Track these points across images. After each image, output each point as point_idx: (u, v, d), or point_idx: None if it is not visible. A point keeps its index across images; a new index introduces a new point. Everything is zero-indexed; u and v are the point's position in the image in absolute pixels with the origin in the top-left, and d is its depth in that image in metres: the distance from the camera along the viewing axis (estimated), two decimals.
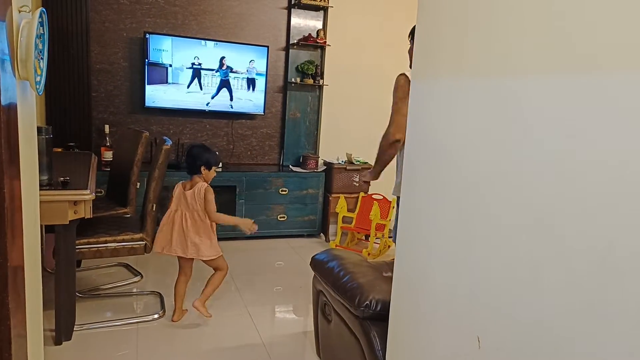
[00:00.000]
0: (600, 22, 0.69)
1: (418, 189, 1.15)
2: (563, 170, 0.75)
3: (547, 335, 0.79)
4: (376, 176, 2.42)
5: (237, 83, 3.99)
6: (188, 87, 3.84)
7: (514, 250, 0.85)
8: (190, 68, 3.82)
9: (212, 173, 2.49)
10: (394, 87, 2.20)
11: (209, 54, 3.85)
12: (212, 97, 3.93)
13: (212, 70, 3.89)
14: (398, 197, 2.36)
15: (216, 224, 2.49)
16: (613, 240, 0.67)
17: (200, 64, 3.83)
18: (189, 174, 2.48)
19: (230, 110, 4.03)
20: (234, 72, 3.94)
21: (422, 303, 1.14)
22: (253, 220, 2.57)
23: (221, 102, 3.97)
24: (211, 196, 2.42)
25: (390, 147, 2.22)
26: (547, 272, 0.78)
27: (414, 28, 2.30)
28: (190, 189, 2.42)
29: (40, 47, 1.03)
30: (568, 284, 0.75)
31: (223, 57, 3.88)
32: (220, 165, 3.92)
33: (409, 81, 2.11)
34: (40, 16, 0.99)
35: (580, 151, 0.72)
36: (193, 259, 2.48)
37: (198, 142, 2.56)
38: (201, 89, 3.88)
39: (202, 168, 2.44)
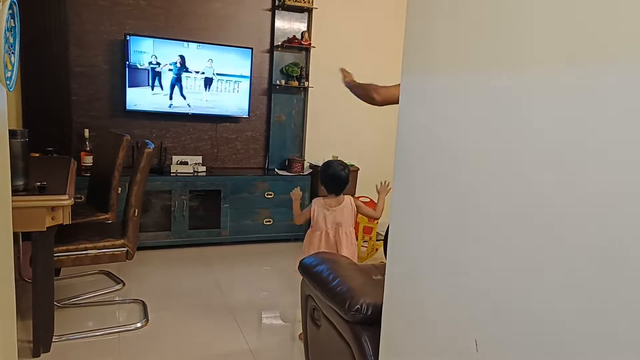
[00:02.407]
0: (603, 13, 0.66)
1: (410, 187, 1.11)
2: (564, 167, 0.72)
3: (548, 337, 0.76)
4: (352, 83, 2.42)
5: (221, 85, 3.93)
6: (171, 89, 3.77)
7: (512, 249, 0.82)
8: (172, 70, 3.75)
9: None
10: None
11: (192, 55, 3.79)
12: (170, 98, 3.80)
13: (169, 69, 3.82)
14: None
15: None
16: (618, 239, 0.64)
17: (158, 64, 3.71)
18: (337, 194, 2.50)
19: (207, 112, 3.96)
20: (189, 71, 3.81)
21: (416, 305, 1.10)
22: (384, 182, 2.57)
23: (181, 104, 3.85)
24: (360, 202, 2.55)
25: (369, 95, 2.30)
26: (548, 272, 0.75)
27: None
28: (337, 205, 2.48)
29: (11, 40, 0.97)
30: (570, 284, 0.71)
31: (182, 57, 3.78)
32: None
33: None
34: (11, 7, 0.93)
35: (582, 147, 0.69)
36: None
37: (339, 163, 2.58)
38: (162, 89, 3.75)
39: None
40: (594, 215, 0.68)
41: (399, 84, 2.26)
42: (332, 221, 2.46)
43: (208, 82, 3.89)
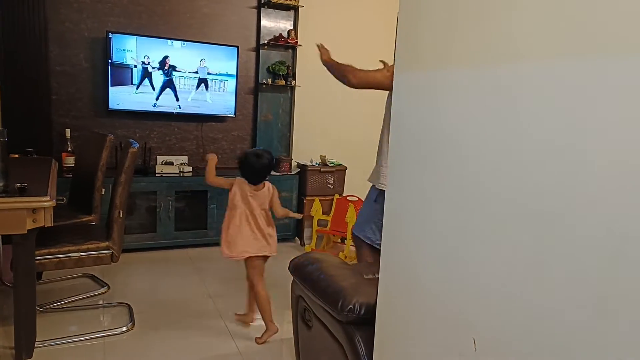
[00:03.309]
0: (600, 4, 0.65)
1: (405, 185, 1.09)
2: (565, 160, 0.71)
3: (549, 335, 0.74)
4: (329, 61, 2.39)
5: (204, 84, 3.88)
6: (153, 89, 3.70)
7: (511, 247, 0.80)
8: (156, 69, 3.68)
9: None
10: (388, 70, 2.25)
11: (177, 54, 3.73)
12: (156, 98, 3.75)
13: (154, 67, 3.75)
14: (373, 186, 2.33)
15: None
16: (621, 235, 0.63)
17: (148, 63, 3.66)
18: (257, 183, 2.43)
19: (192, 112, 3.91)
20: (175, 70, 3.76)
21: (412, 304, 1.08)
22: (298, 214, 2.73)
23: (166, 104, 3.78)
24: (277, 194, 2.52)
25: (344, 76, 2.27)
26: (549, 268, 0.74)
27: None
28: (261, 189, 2.44)
29: None
30: (573, 280, 0.70)
31: (167, 57, 3.72)
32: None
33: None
34: None
35: (583, 139, 0.68)
36: (265, 258, 2.51)
37: (258, 149, 2.52)
38: (150, 88, 3.69)
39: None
40: (596, 211, 0.66)
41: (380, 69, 2.23)
42: (257, 204, 2.43)
43: (201, 82, 3.84)
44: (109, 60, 3.53)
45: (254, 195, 2.42)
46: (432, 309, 1.01)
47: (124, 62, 3.58)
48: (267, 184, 2.47)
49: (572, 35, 0.69)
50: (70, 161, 3.40)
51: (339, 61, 2.38)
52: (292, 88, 4.25)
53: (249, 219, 2.42)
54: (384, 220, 1.17)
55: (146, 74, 3.66)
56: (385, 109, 2.32)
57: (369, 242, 2.34)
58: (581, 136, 0.68)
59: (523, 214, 0.78)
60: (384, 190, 2.20)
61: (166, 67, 3.71)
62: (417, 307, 1.06)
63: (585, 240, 0.68)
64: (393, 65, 2.13)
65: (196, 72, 3.82)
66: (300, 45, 4.15)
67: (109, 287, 2.93)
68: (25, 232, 1.91)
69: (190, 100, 3.84)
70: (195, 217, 3.85)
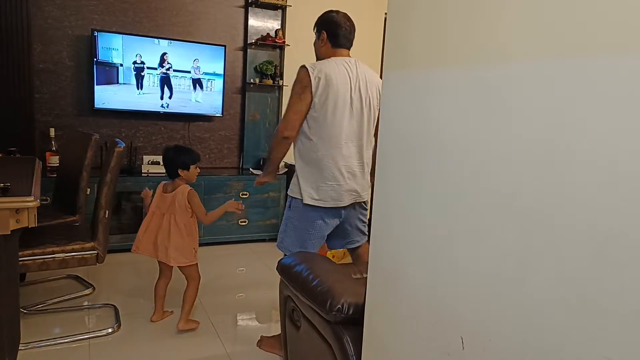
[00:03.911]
0: (587, 6, 0.66)
1: (393, 183, 1.10)
2: (552, 159, 0.71)
3: (536, 333, 0.75)
4: (271, 176, 2.29)
5: (192, 83, 3.85)
6: (141, 87, 3.66)
7: (499, 245, 0.81)
8: (140, 68, 3.65)
9: (192, 172, 2.39)
10: (295, 79, 2.12)
11: (162, 52, 3.69)
12: (161, 97, 3.75)
13: (156, 69, 3.73)
14: (291, 197, 2.22)
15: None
16: (609, 232, 0.64)
17: (148, 64, 3.65)
18: (170, 178, 2.40)
19: (180, 111, 3.88)
20: (180, 71, 3.78)
21: (400, 303, 1.08)
22: (240, 203, 2.44)
23: (168, 103, 3.80)
24: (197, 199, 2.34)
25: (279, 144, 2.14)
26: (536, 266, 0.75)
27: (319, 18, 2.21)
28: (172, 191, 2.34)
29: None
30: (560, 278, 0.71)
31: (165, 54, 3.70)
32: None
33: (309, 74, 2.03)
34: None
35: (570, 139, 0.69)
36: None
37: (172, 144, 2.47)
38: (152, 90, 3.70)
39: (180, 171, 2.35)
40: (582, 209, 0.67)
41: (291, 99, 2.09)
42: (165, 206, 2.34)
43: (196, 82, 3.83)
44: (95, 59, 3.49)
45: (162, 198, 2.35)
46: (420, 308, 1.02)
47: (110, 61, 3.54)
48: (179, 190, 2.32)
49: (560, 36, 0.70)
50: (54, 160, 3.36)
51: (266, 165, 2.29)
52: (280, 88, 4.24)
53: (157, 220, 2.36)
54: (372, 221, 1.17)
55: (133, 73, 3.62)
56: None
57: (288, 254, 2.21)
58: (568, 136, 0.69)
59: (511, 212, 0.79)
60: (294, 197, 2.18)
61: (164, 65, 3.69)
62: (405, 306, 1.07)
63: (571, 238, 0.69)
64: (296, 87, 2.08)
65: (188, 72, 3.80)
66: (287, 45, 4.14)
67: (94, 288, 2.89)
68: (9, 232, 1.87)
69: (177, 99, 3.81)
70: None
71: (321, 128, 2.09)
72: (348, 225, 2.31)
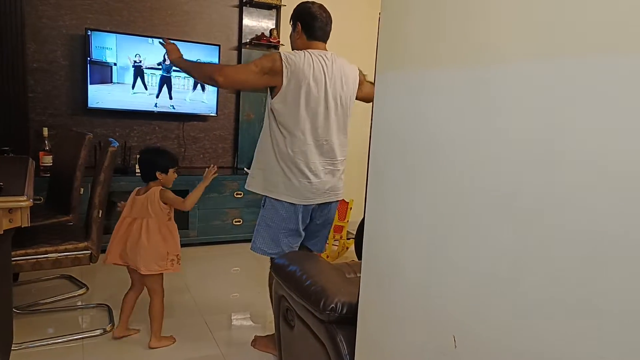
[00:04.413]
0: (583, 6, 0.66)
1: (387, 183, 1.10)
2: (546, 159, 0.72)
3: (528, 333, 0.76)
4: (179, 62, 2.11)
5: (188, 83, 3.84)
6: (133, 87, 3.65)
7: (494, 243, 0.82)
8: (135, 67, 3.64)
9: (171, 177, 2.23)
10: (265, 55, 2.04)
11: (157, 52, 3.68)
12: (157, 96, 3.73)
13: (155, 68, 3.72)
14: (264, 196, 2.14)
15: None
16: (603, 232, 0.64)
17: (141, 62, 3.64)
18: (144, 181, 2.24)
19: (174, 111, 3.87)
20: (174, 70, 3.76)
21: (393, 302, 1.09)
22: (209, 167, 2.29)
23: (162, 102, 3.78)
24: (169, 193, 2.19)
25: (206, 79, 2.05)
26: (530, 266, 0.75)
27: (295, 10, 2.13)
28: (145, 192, 2.19)
29: None
30: (554, 278, 0.71)
31: (159, 54, 3.69)
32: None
33: (281, 58, 1.95)
34: None
35: (564, 139, 0.69)
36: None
37: (149, 146, 2.34)
38: (146, 88, 3.69)
39: (158, 174, 2.19)
40: (576, 209, 0.67)
41: (247, 64, 2.02)
42: (137, 209, 2.18)
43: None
44: (88, 58, 3.48)
45: (134, 202, 2.20)
46: (413, 307, 1.02)
47: (104, 60, 3.53)
48: (151, 192, 2.18)
49: (556, 37, 0.71)
50: (47, 160, 3.34)
51: (189, 60, 2.15)
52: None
53: (128, 225, 2.20)
54: (366, 220, 1.18)
55: (128, 73, 3.61)
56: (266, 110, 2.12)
57: (260, 254, 2.20)
58: (563, 136, 0.69)
59: (505, 213, 0.79)
60: (265, 195, 2.10)
61: (162, 65, 3.68)
62: (399, 305, 1.07)
63: (566, 238, 0.69)
64: (262, 59, 1.98)
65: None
66: (282, 44, 4.14)
67: (87, 288, 2.88)
68: (1, 232, 1.86)
69: (172, 99, 3.80)
70: (176, 216, 3.79)
71: (293, 123, 2.01)
72: (315, 224, 2.22)
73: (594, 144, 0.65)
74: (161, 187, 2.20)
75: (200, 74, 2.11)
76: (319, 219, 2.22)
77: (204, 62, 2.10)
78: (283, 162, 2.05)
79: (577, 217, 0.67)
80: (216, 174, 2.25)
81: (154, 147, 2.30)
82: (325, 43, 2.13)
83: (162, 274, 2.22)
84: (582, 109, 0.66)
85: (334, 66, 2.05)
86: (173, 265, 2.20)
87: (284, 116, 2.01)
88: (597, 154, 0.64)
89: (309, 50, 2.04)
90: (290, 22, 2.15)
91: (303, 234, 2.19)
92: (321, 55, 2.04)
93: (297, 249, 2.20)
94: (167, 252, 2.18)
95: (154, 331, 2.25)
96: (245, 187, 2.22)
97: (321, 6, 2.11)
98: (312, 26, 2.06)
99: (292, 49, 2.14)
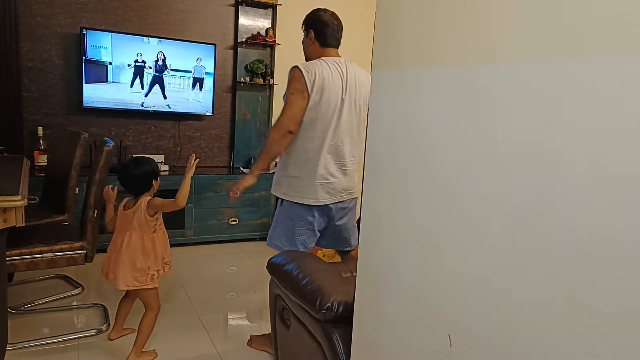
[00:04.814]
0: (577, 6, 0.67)
1: (382, 183, 1.10)
2: (542, 160, 0.72)
3: (523, 331, 0.76)
4: (253, 177, 2.19)
5: (183, 82, 3.83)
6: (131, 86, 3.64)
7: (488, 243, 0.82)
8: (131, 66, 3.62)
9: (157, 184, 2.15)
10: (288, 79, 2.12)
11: (152, 51, 3.68)
12: (146, 95, 3.72)
13: (148, 68, 3.71)
14: (276, 198, 2.24)
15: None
16: (595, 229, 0.65)
17: (143, 62, 3.64)
18: (136, 196, 2.12)
19: (170, 110, 3.86)
20: (174, 70, 3.76)
21: (389, 301, 1.09)
22: (191, 156, 2.16)
23: (156, 102, 3.77)
24: (157, 200, 2.10)
25: (283, 138, 2.10)
26: (524, 265, 0.75)
27: (307, 17, 2.22)
28: (132, 207, 2.09)
29: None
30: (546, 276, 0.72)
31: (159, 53, 3.69)
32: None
33: (303, 75, 2.05)
34: None
35: (560, 140, 0.69)
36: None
37: (131, 159, 2.18)
38: (142, 88, 3.69)
39: (153, 182, 2.12)
40: (572, 210, 0.67)
41: (290, 97, 2.08)
42: (123, 223, 2.10)
43: (187, 81, 3.81)
44: (83, 57, 3.46)
45: (123, 216, 2.11)
46: (408, 306, 1.03)
47: (99, 59, 3.51)
48: (139, 203, 2.09)
49: (550, 37, 0.71)
50: (42, 160, 3.32)
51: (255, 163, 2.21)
52: (271, 87, 4.23)
53: (116, 240, 2.12)
54: (361, 220, 1.18)
55: (124, 72, 3.60)
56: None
57: (279, 251, 2.15)
58: (557, 136, 0.69)
59: (499, 212, 0.79)
60: (282, 198, 2.19)
61: (159, 64, 3.68)
62: (394, 304, 1.07)
63: (560, 238, 0.69)
64: (292, 85, 2.08)
65: (178, 71, 3.79)
66: (278, 44, 4.14)
67: (83, 288, 2.87)
68: None
69: (168, 98, 3.79)
70: (172, 216, 3.78)
71: (312, 128, 2.10)
72: (336, 225, 2.29)
73: (589, 144, 0.65)
74: (149, 197, 2.12)
75: (277, 147, 2.13)
76: (339, 220, 2.28)
77: (268, 144, 2.16)
78: (301, 164, 2.14)
79: (571, 218, 0.67)
80: (197, 160, 2.16)
81: (139, 158, 2.16)
82: (337, 49, 2.23)
83: (156, 288, 2.14)
84: (576, 109, 0.66)
85: (348, 71, 2.15)
86: (153, 280, 2.10)
87: (305, 121, 2.11)
88: (592, 154, 0.64)
89: (322, 57, 2.15)
90: (302, 28, 2.23)
91: (318, 233, 2.26)
92: (335, 62, 2.14)
93: (311, 248, 2.27)
94: (147, 267, 2.08)
95: (136, 345, 2.13)
96: (272, 192, 2.30)
97: (333, 14, 2.20)
98: (324, 33, 2.16)
99: (305, 55, 2.25)
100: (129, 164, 2.13)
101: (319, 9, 2.21)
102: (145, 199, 2.10)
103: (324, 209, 2.20)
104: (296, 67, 2.10)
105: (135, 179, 2.10)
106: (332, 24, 2.17)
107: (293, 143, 2.14)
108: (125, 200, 2.16)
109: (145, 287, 2.09)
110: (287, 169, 2.18)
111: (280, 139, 2.11)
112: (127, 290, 2.23)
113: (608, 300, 0.63)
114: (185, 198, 2.09)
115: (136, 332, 2.18)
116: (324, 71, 2.08)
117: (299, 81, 2.07)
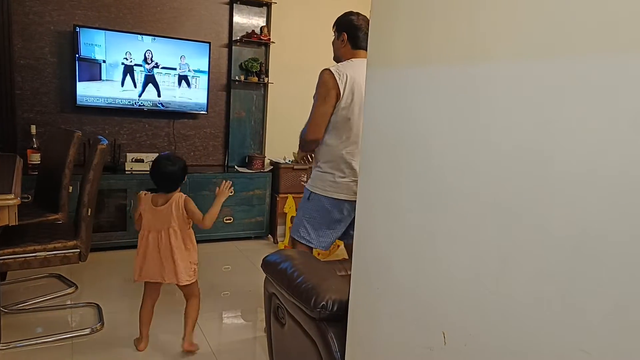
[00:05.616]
0: (572, 5, 0.67)
1: (376, 181, 1.11)
2: (532, 158, 0.73)
3: (516, 329, 0.77)
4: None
5: (177, 80, 3.82)
6: (122, 85, 3.63)
7: (481, 241, 0.82)
8: (123, 65, 3.61)
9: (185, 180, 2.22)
10: (317, 82, 2.21)
11: (145, 49, 3.66)
12: (140, 94, 3.71)
13: (140, 66, 3.69)
14: (310, 191, 2.32)
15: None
16: (586, 227, 0.65)
17: (132, 60, 3.62)
18: (165, 192, 2.12)
19: (164, 108, 3.85)
20: (164, 68, 3.74)
21: (384, 300, 1.09)
22: (224, 182, 2.27)
23: (149, 100, 3.76)
24: (193, 205, 2.14)
25: (307, 146, 2.29)
26: (516, 262, 0.76)
27: (339, 18, 2.31)
28: (164, 203, 2.09)
29: None
30: (539, 274, 0.72)
31: (148, 51, 3.67)
32: None
33: (334, 77, 2.12)
34: None
35: (551, 138, 0.70)
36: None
37: (164, 155, 2.19)
38: (135, 86, 3.67)
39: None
40: (561, 208, 0.68)
41: (316, 102, 2.20)
42: (160, 220, 2.10)
43: (181, 79, 3.80)
44: (77, 55, 3.44)
45: (154, 212, 2.10)
46: (403, 304, 1.03)
47: (93, 57, 3.49)
48: (174, 200, 2.11)
49: (544, 36, 0.71)
50: (35, 158, 3.30)
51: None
52: (265, 85, 4.23)
53: (154, 239, 2.12)
54: (356, 219, 1.18)
55: (117, 70, 3.58)
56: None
57: (304, 243, 2.31)
58: (550, 136, 0.70)
59: (492, 211, 0.80)
60: (314, 192, 2.27)
61: (149, 62, 3.66)
62: (389, 303, 1.08)
63: (551, 237, 0.70)
64: (319, 90, 2.19)
65: (173, 69, 3.77)
66: (273, 42, 4.13)
67: (76, 287, 2.86)
68: None
69: (162, 96, 3.78)
70: None
71: (346, 128, 2.19)
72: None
73: (582, 144, 0.65)
74: (185, 196, 2.15)
75: (303, 147, 2.34)
76: None
77: (300, 149, 2.42)
78: (333, 161, 2.24)
79: (563, 217, 0.68)
80: (232, 186, 2.26)
81: (171, 155, 2.16)
82: (367, 51, 2.29)
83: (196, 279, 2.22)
84: (570, 109, 0.67)
85: None
86: (196, 273, 2.20)
87: (338, 121, 2.20)
88: (584, 154, 0.65)
89: (352, 59, 2.24)
90: (333, 29, 2.33)
91: (344, 228, 2.34)
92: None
93: (334, 241, 2.36)
94: (190, 261, 2.17)
95: (187, 334, 2.22)
96: (306, 187, 2.38)
97: (365, 17, 2.30)
98: (357, 37, 2.27)
99: (335, 55, 2.35)
100: (162, 161, 2.15)
101: (351, 12, 2.31)
102: (180, 195, 2.14)
103: (352, 204, 2.27)
104: (327, 69, 2.19)
105: (171, 175, 2.12)
106: (365, 29, 2.26)
107: (329, 141, 2.24)
108: (150, 195, 2.15)
109: (194, 280, 2.18)
110: (322, 166, 2.29)
111: (306, 147, 2.31)
112: (148, 293, 2.21)
113: (599, 297, 0.64)
114: (212, 221, 2.15)
115: (185, 322, 2.24)
116: (355, 72, 2.16)
117: (326, 85, 2.16)
